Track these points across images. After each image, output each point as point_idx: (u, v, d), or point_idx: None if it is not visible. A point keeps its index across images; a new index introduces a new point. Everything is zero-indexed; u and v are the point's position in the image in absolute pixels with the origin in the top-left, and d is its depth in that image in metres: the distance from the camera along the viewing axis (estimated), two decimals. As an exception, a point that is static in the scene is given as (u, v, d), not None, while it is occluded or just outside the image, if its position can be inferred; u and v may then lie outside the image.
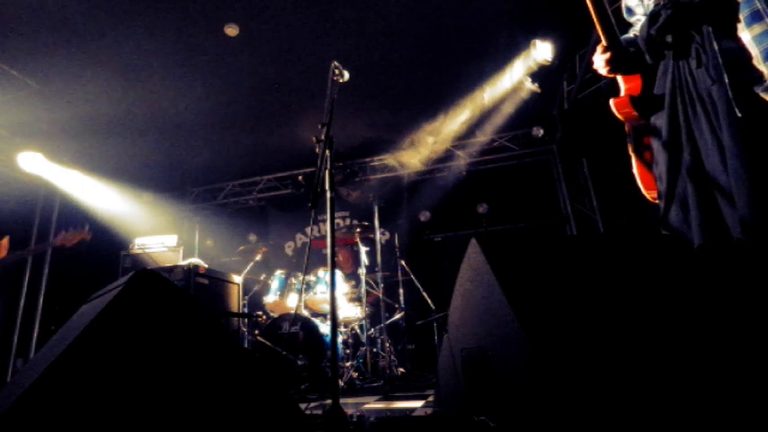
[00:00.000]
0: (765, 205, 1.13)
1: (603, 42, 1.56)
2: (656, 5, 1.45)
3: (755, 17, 1.07)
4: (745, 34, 1.11)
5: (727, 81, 1.17)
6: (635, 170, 1.68)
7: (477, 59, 4.69)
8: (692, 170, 1.35)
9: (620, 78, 1.65)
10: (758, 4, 1.08)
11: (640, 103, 1.56)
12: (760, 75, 1.11)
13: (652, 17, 1.44)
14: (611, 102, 1.61)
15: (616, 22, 1.56)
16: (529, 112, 5.49)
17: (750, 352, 0.93)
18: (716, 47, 1.19)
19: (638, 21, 1.67)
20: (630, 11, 1.68)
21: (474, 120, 5.63)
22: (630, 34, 1.72)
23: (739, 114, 1.12)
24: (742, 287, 1.17)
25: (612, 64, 1.55)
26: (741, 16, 1.12)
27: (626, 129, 1.72)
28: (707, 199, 1.30)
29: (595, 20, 1.51)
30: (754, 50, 1.10)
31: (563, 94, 5.45)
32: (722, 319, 1.02)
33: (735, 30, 1.13)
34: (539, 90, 4.94)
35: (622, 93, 1.63)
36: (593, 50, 1.60)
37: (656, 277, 1.15)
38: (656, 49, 1.47)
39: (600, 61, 1.59)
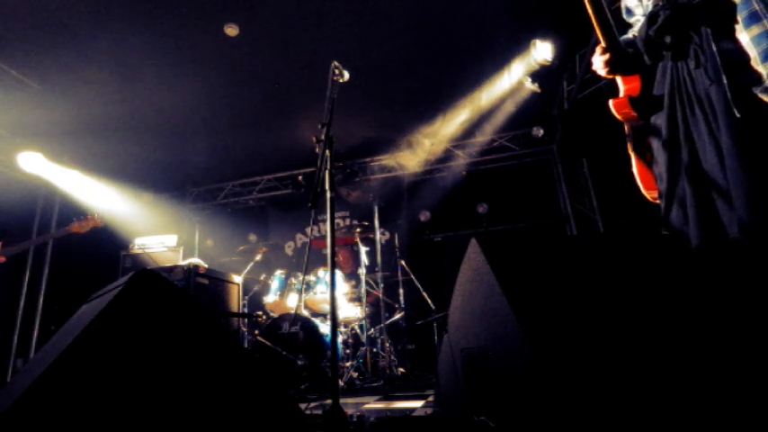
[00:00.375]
0: (763, 205, 1.13)
1: (602, 44, 1.57)
2: (654, 6, 1.46)
3: (753, 18, 1.08)
4: (744, 35, 1.11)
5: (725, 82, 1.17)
6: (635, 170, 1.68)
7: (477, 59, 4.70)
8: (689, 170, 1.36)
9: (618, 79, 1.66)
10: (756, 6, 1.08)
11: (639, 104, 1.57)
12: (759, 76, 1.12)
13: (651, 18, 1.44)
14: (611, 102, 1.62)
15: (615, 22, 1.57)
16: (529, 112, 5.49)
17: (749, 351, 0.93)
18: (714, 48, 1.20)
19: (638, 21, 1.68)
20: (630, 11, 1.69)
21: (474, 120, 5.63)
22: (629, 35, 1.72)
23: (738, 115, 1.12)
24: (740, 286, 1.17)
25: (611, 65, 1.56)
26: (739, 18, 1.12)
27: (626, 129, 1.73)
28: (704, 199, 1.31)
29: (594, 21, 1.52)
30: (752, 52, 1.11)
31: (563, 94, 5.45)
32: (721, 318, 1.02)
33: (733, 31, 1.13)
34: (539, 90, 4.94)
35: (621, 93, 1.64)
36: (593, 50, 1.61)
37: (655, 277, 1.15)
38: (654, 50, 1.47)
39: (599, 62, 1.60)
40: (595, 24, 1.52)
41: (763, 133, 1.13)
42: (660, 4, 1.42)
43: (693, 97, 1.33)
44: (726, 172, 1.22)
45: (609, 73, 1.59)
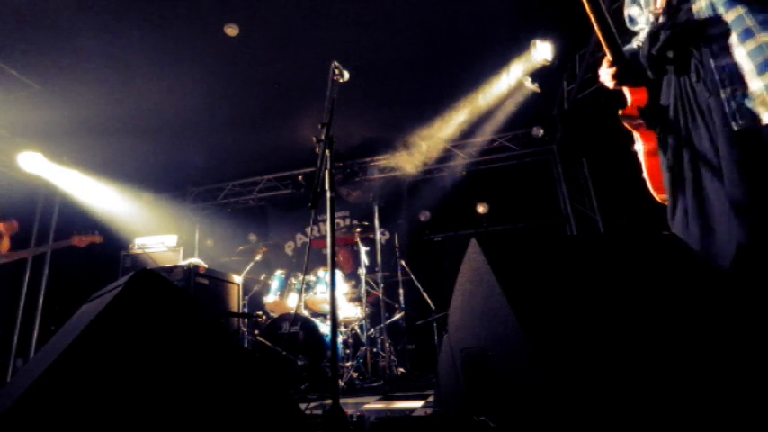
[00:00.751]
0: (759, 211, 1.17)
1: (608, 57, 1.60)
2: (654, 17, 1.49)
3: (748, 34, 1.14)
4: (741, 50, 1.17)
5: (723, 96, 1.24)
6: (645, 171, 1.69)
7: (478, 59, 4.70)
8: (692, 175, 1.40)
9: (626, 90, 1.68)
10: (748, 22, 1.14)
11: (647, 114, 1.60)
12: (755, 88, 1.17)
13: (652, 37, 1.49)
14: (620, 113, 1.65)
15: (618, 29, 1.58)
16: (529, 112, 5.49)
17: (750, 352, 0.93)
18: (712, 63, 1.26)
19: (642, 30, 1.69)
20: (632, 20, 1.71)
21: (474, 120, 5.63)
22: (633, 44, 1.73)
23: (735, 127, 1.18)
24: (742, 287, 1.17)
25: (618, 77, 1.60)
26: (735, 34, 1.18)
27: (635, 136, 1.73)
28: (703, 205, 1.35)
29: (600, 35, 1.55)
30: (748, 65, 1.16)
31: (563, 94, 5.45)
32: (722, 318, 1.02)
33: (730, 47, 1.19)
34: (539, 90, 4.94)
35: (629, 103, 1.66)
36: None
37: (655, 277, 1.15)
38: (657, 67, 1.52)
39: (606, 75, 1.63)
40: (601, 38, 1.56)
41: (759, 143, 1.18)
42: (660, 15, 1.45)
43: (695, 108, 1.38)
44: (724, 179, 1.26)
45: (616, 85, 1.63)
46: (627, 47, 1.72)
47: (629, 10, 1.70)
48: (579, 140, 5.50)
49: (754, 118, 1.17)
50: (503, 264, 1.18)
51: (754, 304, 1.04)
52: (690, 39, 1.32)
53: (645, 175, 1.69)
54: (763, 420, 0.81)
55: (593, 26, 1.54)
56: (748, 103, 1.17)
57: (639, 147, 1.68)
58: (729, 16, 1.19)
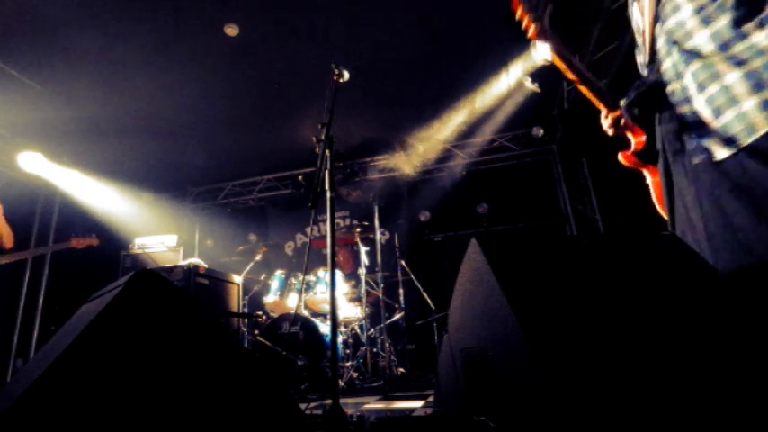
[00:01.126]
0: (726, 242, 1.31)
1: (603, 111, 1.78)
2: (648, 69, 1.66)
3: (702, 87, 1.37)
4: (699, 98, 1.39)
5: (686, 137, 1.47)
6: (655, 199, 1.79)
7: (478, 59, 4.70)
8: (681, 206, 1.54)
9: (628, 134, 1.82)
10: (702, 76, 1.37)
11: (644, 156, 1.76)
12: (713, 130, 1.38)
13: (628, 95, 1.73)
14: (620, 156, 1.81)
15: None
16: (529, 112, 5.50)
17: (750, 353, 0.93)
18: (677, 112, 1.50)
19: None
20: (643, 65, 1.79)
21: (474, 120, 5.64)
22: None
23: (695, 161, 1.40)
24: (742, 288, 1.17)
25: (616, 127, 1.78)
26: (694, 85, 1.40)
27: (644, 172, 1.86)
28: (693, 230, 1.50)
29: (589, 95, 1.75)
30: (706, 111, 1.37)
31: (563, 94, 5.44)
32: (723, 319, 1.02)
33: (691, 97, 1.42)
34: (539, 90, 4.93)
35: (632, 146, 1.79)
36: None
37: (656, 277, 1.15)
38: (637, 120, 1.74)
39: (605, 125, 1.81)
40: (590, 97, 1.76)
41: (713, 175, 1.36)
42: (648, 66, 1.64)
43: (674, 148, 1.57)
44: (695, 209, 1.45)
45: (615, 134, 1.80)
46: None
47: (640, 57, 1.78)
48: (579, 140, 5.50)
49: (710, 154, 1.36)
50: (503, 264, 1.18)
51: (754, 305, 1.04)
52: (658, 94, 1.57)
53: (654, 200, 1.80)
54: (763, 421, 0.81)
55: (583, 91, 1.75)
56: (704, 142, 1.37)
57: (649, 180, 1.81)
58: (688, 71, 1.41)
